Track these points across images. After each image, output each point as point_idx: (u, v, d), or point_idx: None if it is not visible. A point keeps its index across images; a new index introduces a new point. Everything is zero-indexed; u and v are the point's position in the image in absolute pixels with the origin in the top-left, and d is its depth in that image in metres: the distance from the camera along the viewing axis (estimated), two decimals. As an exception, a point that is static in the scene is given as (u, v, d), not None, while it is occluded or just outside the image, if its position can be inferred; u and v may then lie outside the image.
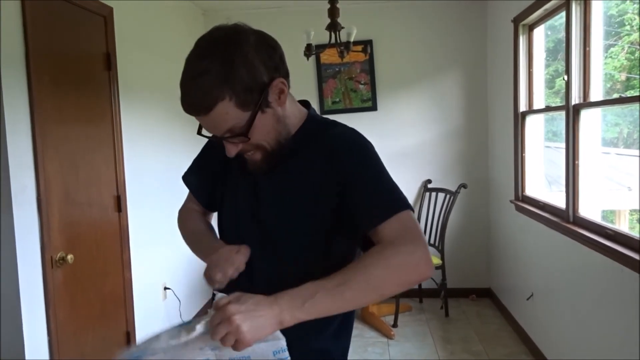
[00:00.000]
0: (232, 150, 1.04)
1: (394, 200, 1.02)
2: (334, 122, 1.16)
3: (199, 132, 1.07)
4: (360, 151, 1.08)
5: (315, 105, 4.37)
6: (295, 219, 1.09)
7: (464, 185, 4.11)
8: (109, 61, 2.78)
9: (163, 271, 3.42)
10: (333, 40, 2.98)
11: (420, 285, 4.31)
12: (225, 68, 0.95)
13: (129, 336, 2.90)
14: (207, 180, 1.25)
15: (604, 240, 2.24)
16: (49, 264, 2.22)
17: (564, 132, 2.76)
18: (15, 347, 2.04)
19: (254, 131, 1.01)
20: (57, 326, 2.25)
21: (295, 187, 1.10)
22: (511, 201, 3.60)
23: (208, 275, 1.04)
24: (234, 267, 1.03)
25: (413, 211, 1.03)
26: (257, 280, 1.09)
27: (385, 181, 1.05)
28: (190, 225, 1.27)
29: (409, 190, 4.38)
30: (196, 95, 0.97)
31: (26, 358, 2.06)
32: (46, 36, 2.26)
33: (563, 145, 3.06)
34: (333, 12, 2.90)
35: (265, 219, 1.11)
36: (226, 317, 0.83)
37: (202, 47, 0.99)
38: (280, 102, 1.05)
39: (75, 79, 2.51)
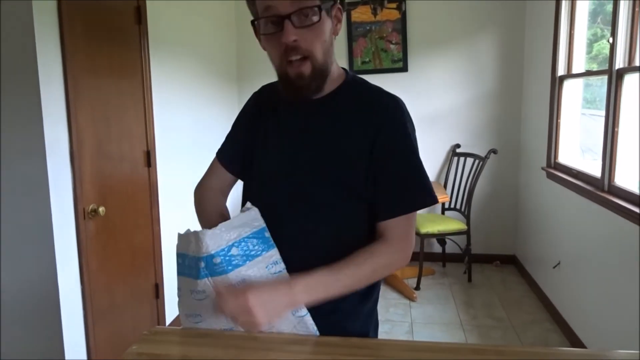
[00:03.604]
0: (291, 35, 1.00)
1: (413, 194, 1.09)
2: (378, 87, 1.16)
3: (253, 23, 1.07)
4: (403, 138, 1.09)
5: (344, 65, 4.29)
6: (330, 174, 1.09)
7: (494, 151, 4.03)
8: (140, 14, 2.76)
9: (190, 225, 3.47)
10: (366, -3, 2.88)
11: (444, 250, 4.31)
12: None
13: (158, 288, 2.98)
14: (239, 150, 1.24)
15: (638, 209, 2.18)
16: (82, 215, 2.27)
17: (603, 98, 2.65)
18: (50, 295, 2.11)
19: (319, 25, 1.02)
20: (89, 276, 2.32)
21: (334, 144, 1.09)
22: (543, 168, 3.52)
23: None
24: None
25: (433, 201, 1.09)
26: (286, 233, 1.10)
27: (413, 168, 1.09)
28: (208, 211, 1.26)
29: (437, 154, 4.31)
30: None
31: (60, 304, 2.13)
32: (77, -13, 2.24)
33: (596, 112, 2.94)
34: (367, -33, 2.79)
35: (301, 172, 1.11)
36: (246, 306, 0.94)
37: None
38: (336, 29, 1.09)
39: (106, 32, 2.49)
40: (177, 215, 3.24)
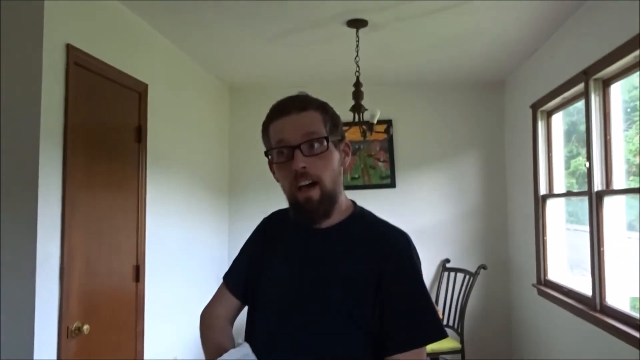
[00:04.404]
0: (300, 162, 1.07)
1: (420, 329, 1.08)
2: (385, 221, 1.20)
3: (267, 153, 1.15)
4: (411, 271, 1.11)
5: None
6: (334, 306, 1.08)
7: (483, 267, 4.04)
8: (140, 134, 2.88)
9: (175, 343, 3.34)
10: (357, 119, 3.07)
11: (438, 370, 4.13)
12: (322, 102, 1.17)
13: (136, 413, 2.79)
14: (245, 275, 1.24)
15: (633, 331, 2.16)
16: (65, 333, 2.18)
17: (586, 213, 2.73)
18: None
19: (327, 154, 1.10)
20: (65, 401, 2.18)
21: (340, 276, 1.10)
22: (533, 285, 3.52)
23: None
24: None
25: (442, 335, 1.09)
26: None
27: (421, 303, 1.10)
28: (216, 340, 1.20)
29: (427, 269, 4.31)
30: (295, 100, 1.13)
31: None
32: (85, 110, 2.36)
33: (580, 227, 3.00)
34: (357, 96, 3.00)
35: (305, 302, 1.10)
36: None
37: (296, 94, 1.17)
38: (344, 162, 1.16)
39: (107, 150, 2.59)
40: (162, 331, 3.13)
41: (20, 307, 2.00)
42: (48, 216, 2.10)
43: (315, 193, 1.09)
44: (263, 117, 1.19)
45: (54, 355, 2.14)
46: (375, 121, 3.08)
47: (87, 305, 2.38)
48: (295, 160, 1.07)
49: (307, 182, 1.08)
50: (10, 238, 2.02)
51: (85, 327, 2.30)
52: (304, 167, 1.07)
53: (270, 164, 1.17)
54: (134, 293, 2.83)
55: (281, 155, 1.11)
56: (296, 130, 1.09)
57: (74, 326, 2.25)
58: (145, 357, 2.90)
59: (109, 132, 2.63)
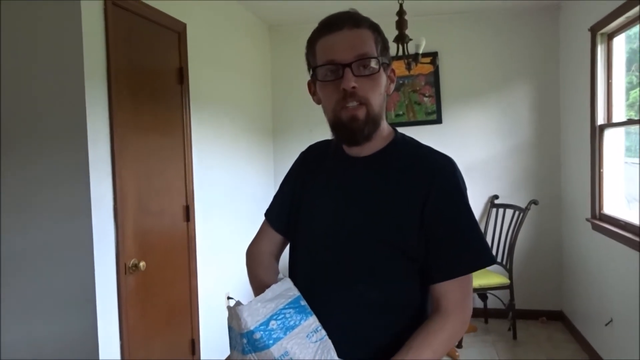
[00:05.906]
0: (350, 81, 1.02)
1: (468, 255, 1.05)
2: (429, 147, 1.15)
3: (310, 70, 1.11)
4: (457, 196, 1.07)
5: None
6: (378, 234, 1.06)
7: (534, 202, 3.92)
8: (182, 75, 2.88)
9: (227, 280, 3.47)
10: (400, 53, 2.94)
11: (485, 305, 4.14)
12: (374, 22, 1.10)
13: (194, 344, 2.95)
14: (287, 210, 1.23)
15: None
16: (123, 270, 2.29)
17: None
18: (90, 351, 2.11)
19: (377, 76, 1.06)
20: (128, 331, 2.32)
21: (383, 203, 1.07)
22: (587, 219, 3.40)
23: None
24: None
25: (490, 261, 1.06)
26: (333, 295, 1.08)
27: (468, 228, 1.07)
28: (261, 276, 1.22)
29: (475, 206, 4.23)
30: (348, 15, 1.07)
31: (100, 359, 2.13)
32: (126, 52, 2.36)
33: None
34: (401, 25, 2.87)
35: (349, 232, 1.09)
36: None
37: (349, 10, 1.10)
38: (389, 88, 1.11)
39: (150, 92, 2.61)
40: (214, 268, 3.25)
41: (80, 245, 2.10)
42: (98, 158, 2.15)
43: (361, 112, 1.04)
44: (303, 56, 1.13)
45: (115, 290, 2.26)
46: (420, 51, 2.95)
47: (142, 244, 2.48)
48: (346, 79, 1.02)
49: (354, 104, 1.04)
50: (65, 181, 2.10)
51: (142, 264, 2.41)
52: (354, 87, 1.02)
53: (310, 83, 1.13)
54: (186, 232, 2.92)
55: (329, 73, 1.06)
56: (349, 48, 1.03)
57: (131, 263, 2.36)
58: (199, 293, 3.04)
59: (151, 73, 2.63)
